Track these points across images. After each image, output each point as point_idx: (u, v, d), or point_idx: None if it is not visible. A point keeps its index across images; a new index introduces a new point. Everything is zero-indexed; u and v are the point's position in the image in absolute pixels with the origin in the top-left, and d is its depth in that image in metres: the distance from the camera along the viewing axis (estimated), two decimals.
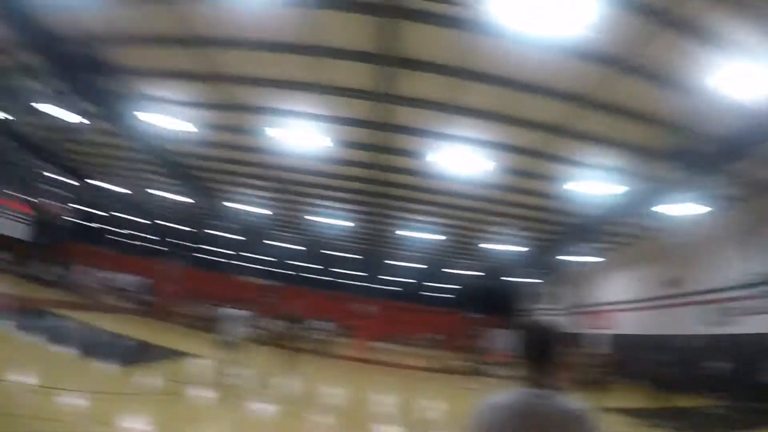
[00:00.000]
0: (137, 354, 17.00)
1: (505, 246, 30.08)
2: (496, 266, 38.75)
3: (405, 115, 16.67)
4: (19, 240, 50.52)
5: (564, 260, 28.47)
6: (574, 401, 2.56)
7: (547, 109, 14.79)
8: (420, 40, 12.62)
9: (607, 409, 14.36)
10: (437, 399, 18.59)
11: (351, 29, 12.95)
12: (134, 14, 14.99)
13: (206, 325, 29.27)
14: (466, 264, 41.29)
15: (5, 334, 15.31)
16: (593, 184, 18.40)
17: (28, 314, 20.17)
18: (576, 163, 18.09)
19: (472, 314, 44.47)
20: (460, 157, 18.07)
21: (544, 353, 2.66)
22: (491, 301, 45.38)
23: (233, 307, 16.22)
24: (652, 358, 21.99)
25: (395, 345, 33.22)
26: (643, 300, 28.03)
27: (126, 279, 38.53)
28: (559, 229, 25.85)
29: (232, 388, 12.84)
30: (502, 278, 42.83)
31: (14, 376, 10.00)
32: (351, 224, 31.23)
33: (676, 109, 13.81)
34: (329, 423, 12.19)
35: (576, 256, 29.00)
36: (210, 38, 15.26)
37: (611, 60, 12.03)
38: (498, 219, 25.86)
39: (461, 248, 35.22)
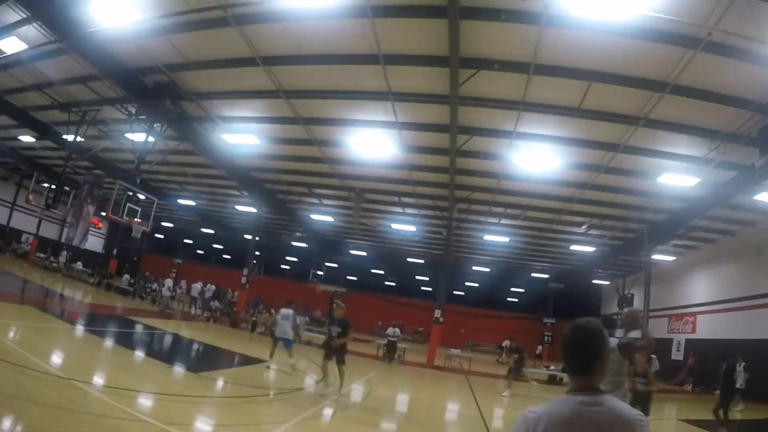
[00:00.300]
0: (212, 360, 17.25)
1: (583, 247, 29.44)
2: (575, 268, 37.86)
3: (478, 116, 16.50)
4: (101, 254, 52.88)
5: (646, 260, 27.53)
6: (625, 405, 2.39)
7: (624, 98, 14.15)
8: (488, 39, 12.50)
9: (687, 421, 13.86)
10: (513, 408, 18.09)
11: (417, 34, 13.03)
12: (201, 40, 15.75)
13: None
14: (543, 267, 40.55)
15: (86, 339, 15.81)
16: (677, 176, 17.77)
17: (109, 322, 20.81)
18: (658, 154, 17.25)
19: (549, 319, 43.51)
20: (536, 156, 17.84)
21: (590, 355, 2.40)
22: (569, 305, 43.38)
23: (296, 312, 16.55)
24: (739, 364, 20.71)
25: (470, 352, 32.79)
26: (731, 300, 26.66)
27: (201, 287, 39.31)
28: (641, 227, 24.85)
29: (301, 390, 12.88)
30: (580, 280, 41.53)
31: (94, 380, 10.27)
32: (424, 229, 31.21)
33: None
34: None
35: (659, 254, 28.06)
36: (278, 56, 15.75)
37: (688, 40, 11.30)
38: (576, 218, 25.25)
39: (538, 250, 34.61)
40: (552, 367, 28.43)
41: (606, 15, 10.43)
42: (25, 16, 16.40)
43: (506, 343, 35.55)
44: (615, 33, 11.24)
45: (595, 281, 41.33)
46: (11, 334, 12.90)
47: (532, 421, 2.27)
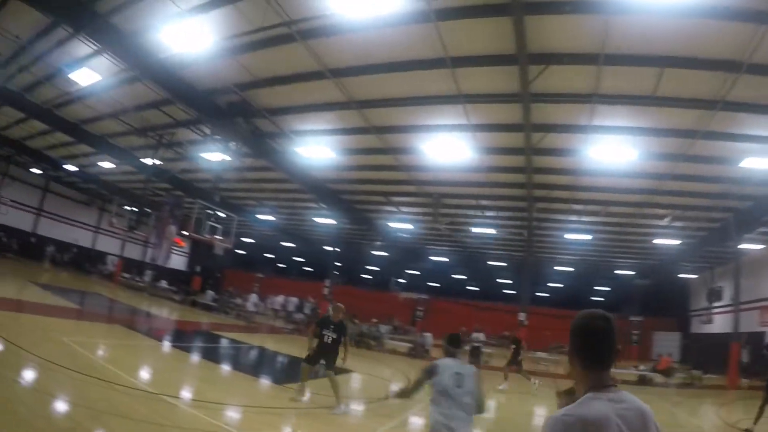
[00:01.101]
0: (297, 371, 17.41)
1: (666, 240, 28.44)
2: (660, 263, 36.54)
3: (552, 112, 16.20)
4: (184, 271, 54.43)
5: (734, 249, 26.29)
6: (634, 396, 2.26)
7: (699, 82, 13.43)
8: (554, 33, 12.23)
9: None
10: None
11: (482, 34, 12.86)
12: (269, 58, 16.06)
13: (365, 342, 29.93)
14: (627, 263, 39.41)
15: (173, 355, 16.20)
16: (762, 159, 16.94)
17: (195, 337, 21.29)
18: (739, 137, 16.30)
19: (635, 317, 42.07)
20: (613, 149, 17.32)
21: (612, 345, 2.34)
22: (656, 301, 41.87)
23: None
24: None
25: (556, 354, 32.12)
26: None
27: (282, 300, 39.92)
28: (726, 215, 23.63)
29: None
30: (666, 275, 39.64)
31: (182, 394, 10.48)
32: (504, 231, 30.86)
33: None
34: None
35: (748, 243, 26.85)
36: (346, 68, 15.86)
37: (761, 15, 10.65)
38: (658, 211, 24.18)
39: (621, 246, 33.65)
40: (642, 367, 27.46)
41: None
42: (96, 48, 17.09)
43: None
44: (683, 14, 10.75)
45: (681, 275, 39.77)
46: (101, 352, 13.32)
47: (572, 425, 2.08)
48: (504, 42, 12.67)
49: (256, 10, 13.27)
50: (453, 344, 6.25)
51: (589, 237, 29.32)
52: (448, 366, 5.84)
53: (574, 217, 26.36)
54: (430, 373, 5.87)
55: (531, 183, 21.58)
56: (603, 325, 2.32)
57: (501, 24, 11.99)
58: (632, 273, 40.57)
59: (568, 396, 2.59)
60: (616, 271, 42.11)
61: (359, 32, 13.64)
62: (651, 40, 11.79)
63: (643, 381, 25.48)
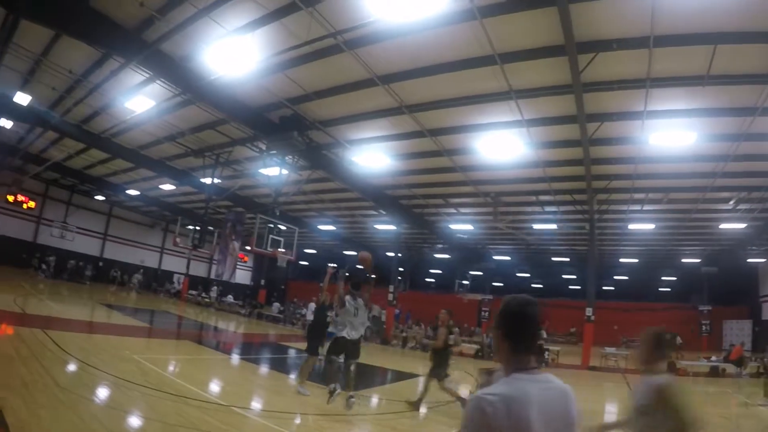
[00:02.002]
0: (365, 378, 17.44)
1: (732, 224, 27.44)
2: (727, 248, 35.47)
3: (605, 100, 15.89)
4: (249, 285, 55.39)
5: None
6: (558, 379, 2.39)
7: (754, 56, 12.82)
8: (601, 19, 12.02)
9: None
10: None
11: (528, 27, 12.76)
12: (318, 70, 16.32)
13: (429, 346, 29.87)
14: (693, 251, 38.33)
15: (242, 367, 16.40)
16: None
17: (263, 349, 21.58)
18: None
19: (704, 306, 40.81)
20: (671, 133, 16.79)
21: (537, 330, 2.44)
22: (724, 289, 40.46)
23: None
24: None
25: (625, 349, 31.47)
26: None
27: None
28: None
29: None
30: (734, 261, 37.87)
31: (252, 405, 10.62)
32: (566, 225, 30.45)
33: None
34: None
35: None
36: (395, 73, 15.97)
37: None
38: (722, 194, 23.34)
39: (685, 234, 32.68)
40: (713, 358, 26.60)
41: None
42: (147, 75, 17.58)
43: None
44: None
45: (750, 260, 38.31)
46: (171, 368, 13.59)
47: (499, 405, 2.08)
48: (551, 33, 12.56)
49: (300, 25, 13.47)
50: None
51: (652, 226, 28.72)
52: None
53: (636, 207, 25.77)
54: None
55: (590, 175, 21.16)
56: (533, 312, 2.39)
57: (546, 15, 11.88)
58: (699, 261, 39.39)
59: (488, 375, 2.62)
60: (683, 260, 40.93)
61: (405, 36, 13.70)
62: (700, 17, 11.42)
63: (715, 372, 24.71)
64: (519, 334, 2.37)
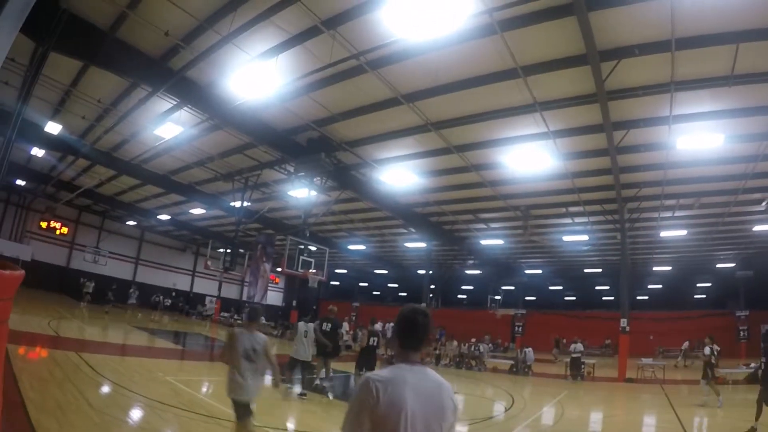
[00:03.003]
0: None
1: (766, 226, 26.90)
2: (762, 251, 34.48)
3: (630, 107, 15.81)
4: (281, 306, 55.68)
5: None
6: (438, 374, 2.91)
7: None
8: (621, 25, 12.00)
9: None
10: (714, 416, 16.36)
11: (549, 38, 12.81)
12: (343, 91, 16.56)
13: (466, 362, 29.70)
14: (727, 255, 37.56)
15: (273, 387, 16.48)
16: None
17: (294, 369, 21.65)
18: None
19: (740, 312, 39.86)
20: (699, 137, 16.42)
21: (425, 335, 2.95)
22: (761, 292, 38.20)
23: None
24: None
25: (662, 359, 30.96)
26: None
27: (380, 326, 40.09)
28: None
29: None
30: None
31: (286, 425, 10.69)
32: (597, 236, 30.24)
33: None
34: None
35: None
36: (419, 91, 16.13)
37: None
38: (754, 196, 22.75)
39: (719, 238, 32.01)
40: (753, 365, 25.76)
41: None
42: (175, 102, 17.93)
43: (686, 345, 33.30)
44: None
45: None
46: (204, 389, 13.69)
47: (380, 384, 2.69)
48: (572, 43, 12.60)
49: (323, 48, 13.69)
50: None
51: (684, 232, 28.25)
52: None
53: (667, 214, 25.44)
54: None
55: (619, 183, 21.05)
56: (421, 320, 2.96)
57: (566, 25, 11.91)
58: (733, 265, 38.63)
59: (388, 364, 3.21)
60: (717, 265, 40.15)
61: (427, 54, 13.84)
62: (721, 17, 11.31)
63: (755, 379, 24.01)
64: (406, 335, 2.96)
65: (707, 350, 18.67)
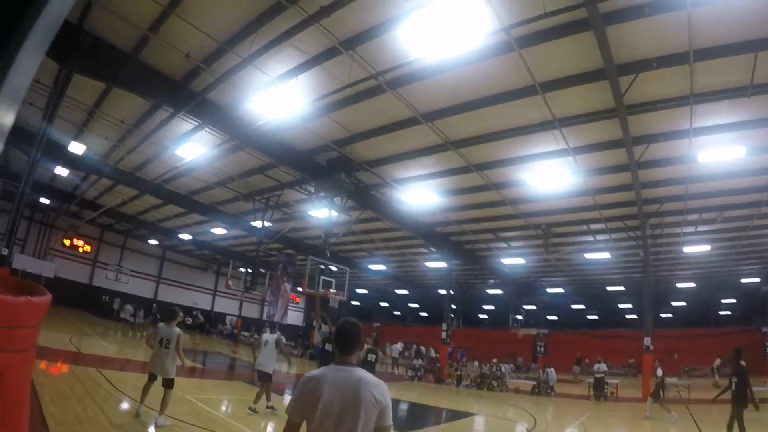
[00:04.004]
0: (420, 417, 17.31)
1: None
2: None
3: (650, 121, 15.69)
4: (301, 326, 55.79)
5: None
6: (366, 372, 3.49)
7: None
8: (638, 39, 11.96)
9: None
10: None
11: (567, 54, 12.85)
12: (362, 111, 16.75)
13: (488, 383, 29.51)
14: (752, 270, 36.79)
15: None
16: None
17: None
18: None
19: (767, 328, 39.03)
20: (720, 149, 16.27)
21: (353, 341, 3.64)
22: None
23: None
24: None
25: (686, 378, 30.52)
26: None
27: (401, 348, 40.00)
28: None
29: None
30: None
31: None
32: (619, 253, 30.05)
33: None
34: None
35: None
36: (438, 110, 16.31)
37: None
38: None
39: (743, 252, 31.37)
40: None
41: None
42: (196, 123, 18.17)
43: (717, 362, 32.81)
44: None
45: None
46: (223, 408, 13.76)
47: (309, 379, 3.46)
48: (590, 58, 12.62)
49: (342, 68, 13.84)
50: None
51: (708, 248, 27.87)
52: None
53: (689, 229, 25.12)
54: None
55: (640, 199, 20.88)
56: (349, 329, 3.67)
57: (583, 40, 11.94)
58: (759, 280, 37.99)
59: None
60: (742, 280, 39.54)
61: (445, 73, 13.95)
62: (738, 26, 11.21)
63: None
64: (338, 341, 3.67)
65: (659, 372, 20.56)
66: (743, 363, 12.61)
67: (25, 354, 3.90)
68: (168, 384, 10.36)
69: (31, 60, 2.02)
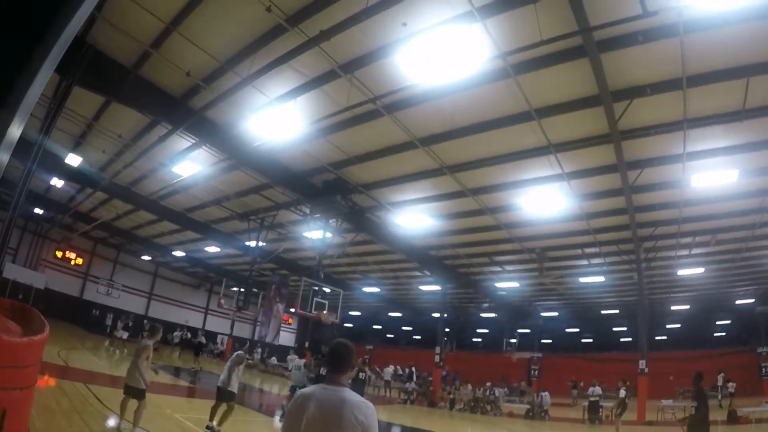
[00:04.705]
0: None
1: None
2: None
3: (644, 146, 15.84)
4: (293, 347, 55.64)
5: None
6: (352, 393, 3.55)
7: None
8: (632, 65, 12.17)
9: None
10: None
11: (562, 80, 13.05)
12: (359, 135, 16.97)
13: (481, 407, 29.39)
14: (746, 291, 36.78)
15: None
16: None
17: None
18: None
19: (764, 348, 38.85)
20: (713, 173, 16.50)
21: (344, 362, 3.75)
22: None
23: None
24: None
25: (682, 400, 30.39)
26: None
27: (393, 371, 39.80)
28: None
29: None
30: None
31: None
32: (614, 277, 30.13)
33: None
34: None
35: None
36: (435, 134, 16.42)
37: None
38: None
39: (737, 274, 31.31)
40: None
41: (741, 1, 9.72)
42: (194, 141, 18.27)
43: (721, 380, 32.62)
44: (759, 16, 10.18)
45: None
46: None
47: (298, 396, 3.65)
48: (585, 84, 12.80)
49: (340, 91, 14.01)
50: None
51: (701, 270, 28.00)
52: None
53: (683, 252, 25.16)
54: None
55: (635, 223, 21.00)
56: (340, 349, 3.78)
57: (579, 67, 12.10)
58: (753, 301, 37.97)
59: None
60: (736, 302, 39.53)
61: (442, 98, 14.13)
62: (730, 51, 11.39)
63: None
64: (330, 361, 3.78)
65: (623, 392, 21.96)
66: (704, 388, 12.23)
67: (29, 390, 3.96)
68: (137, 394, 10.34)
69: (45, 77, 2.10)
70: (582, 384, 37.04)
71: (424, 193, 21.05)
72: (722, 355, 41.22)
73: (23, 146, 18.01)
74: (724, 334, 46.70)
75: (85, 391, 14.23)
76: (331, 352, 3.81)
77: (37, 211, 35.44)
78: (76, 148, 22.38)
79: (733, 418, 23.33)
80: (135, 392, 10.32)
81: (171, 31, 13.24)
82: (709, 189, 18.06)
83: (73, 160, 22.48)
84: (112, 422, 11.22)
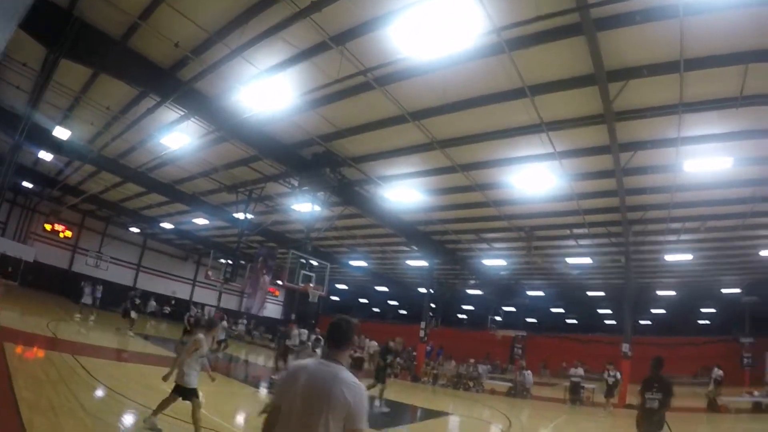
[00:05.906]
0: (395, 415, 17.20)
1: None
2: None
3: (638, 128, 15.67)
4: (280, 319, 55.79)
5: None
6: (347, 372, 3.58)
7: None
8: (629, 45, 11.97)
9: None
10: None
11: (557, 58, 12.83)
12: (349, 107, 16.68)
13: (464, 383, 29.48)
14: (733, 280, 36.87)
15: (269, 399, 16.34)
16: None
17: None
18: None
19: (747, 338, 39.17)
20: (707, 159, 16.38)
21: (338, 338, 3.79)
22: (767, 319, 37.36)
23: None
24: None
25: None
26: None
27: (376, 345, 39.87)
28: None
29: None
30: None
31: None
32: (601, 259, 30.18)
33: None
34: None
35: None
36: (426, 109, 16.20)
37: None
38: (761, 220, 22.29)
39: (725, 263, 31.66)
40: (756, 393, 25.05)
41: None
42: (183, 113, 18.04)
43: (716, 373, 32.75)
44: (762, 2, 10.04)
45: None
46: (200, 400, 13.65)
47: (296, 367, 3.77)
48: (580, 63, 12.58)
49: (331, 63, 13.76)
50: None
51: (689, 257, 27.96)
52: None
53: (672, 237, 25.16)
54: None
55: (624, 206, 20.82)
56: (343, 325, 3.82)
57: (574, 45, 11.91)
58: (739, 291, 38.12)
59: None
60: (722, 290, 39.66)
61: (434, 72, 13.88)
62: (730, 37, 11.22)
63: (759, 408, 23.58)
64: (330, 335, 3.82)
65: (611, 378, 23.44)
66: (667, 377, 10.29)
67: None
68: (186, 394, 9.40)
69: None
70: (564, 365, 37.24)
71: (413, 167, 20.90)
72: (705, 343, 41.57)
73: (11, 119, 17.85)
74: (708, 322, 47.10)
75: (73, 362, 14.20)
76: (332, 326, 3.85)
77: (26, 184, 35.19)
78: (64, 120, 22.02)
79: (713, 407, 23.51)
80: (183, 392, 9.24)
81: (159, 2, 13.01)
82: (701, 175, 17.96)
83: (62, 133, 22.18)
84: (99, 393, 11.28)
